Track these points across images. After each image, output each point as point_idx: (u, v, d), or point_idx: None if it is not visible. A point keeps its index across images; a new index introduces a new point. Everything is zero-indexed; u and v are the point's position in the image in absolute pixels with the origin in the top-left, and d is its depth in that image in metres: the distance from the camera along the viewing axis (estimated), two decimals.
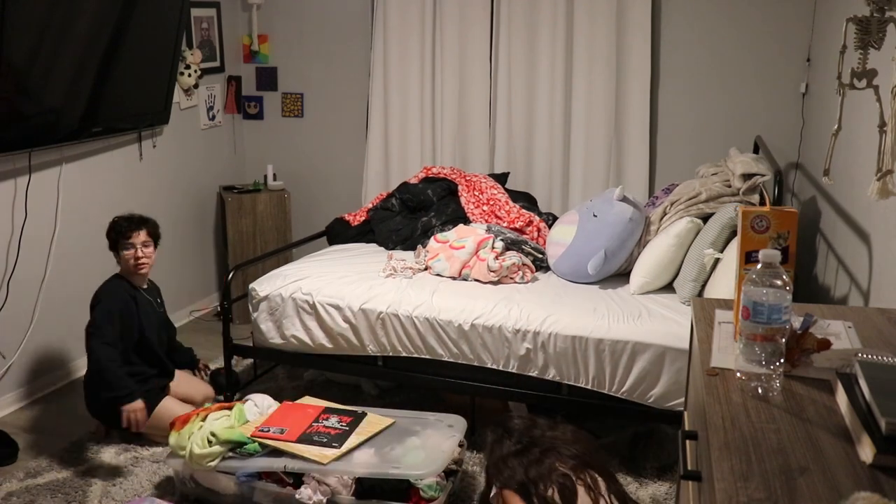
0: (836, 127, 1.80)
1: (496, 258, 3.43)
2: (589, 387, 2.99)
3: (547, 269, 3.62)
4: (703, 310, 1.92)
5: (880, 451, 1.20)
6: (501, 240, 3.55)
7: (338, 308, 3.29)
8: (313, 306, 3.34)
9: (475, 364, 3.14)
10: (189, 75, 4.44)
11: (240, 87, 5.00)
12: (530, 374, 3.06)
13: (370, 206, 4.26)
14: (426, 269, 3.59)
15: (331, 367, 3.53)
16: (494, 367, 3.11)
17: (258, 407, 2.97)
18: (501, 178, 4.25)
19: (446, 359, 3.17)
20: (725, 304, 1.94)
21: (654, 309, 3.08)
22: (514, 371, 3.08)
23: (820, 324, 1.73)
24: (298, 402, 3.12)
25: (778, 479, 1.17)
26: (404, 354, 3.24)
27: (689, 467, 1.61)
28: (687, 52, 4.14)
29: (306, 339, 3.37)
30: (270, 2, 4.86)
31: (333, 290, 3.35)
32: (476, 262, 3.46)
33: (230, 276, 3.56)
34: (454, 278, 3.49)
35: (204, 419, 2.89)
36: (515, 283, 3.44)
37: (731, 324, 1.77)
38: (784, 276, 1.44)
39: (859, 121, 2.66)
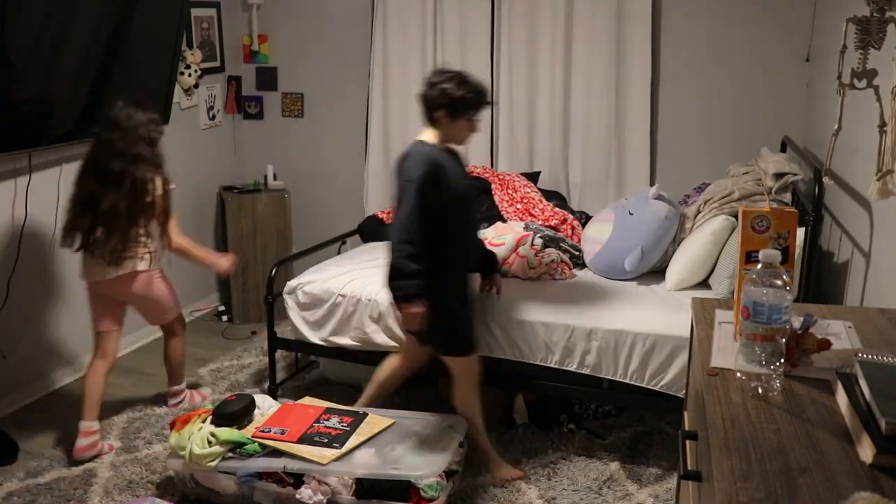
0: (836, 127, 1.80)
1: (535, 255, 3.47)
2: (628, 381, 3.02)
3: (582, 265, 3.66)
4: (703, 310, 1.92)
5: (880, 451, 1.20)
6: (540, 237, 3.57)
7: (379, 305, 3.26)
8: (357, 304, 3.33)
9: (516, 359, 3.15)
10: (189, 75, 4.44)
11: (240, 87, 5.00)
12: (568, 368, 3.09)
13: None
14: None
15: (374, 362, 3.47)
16: (533, 362, 3.13)
17: (259, 407, 2.98)
18: (533, 178, 4.26)
19: (492, 354, 3.18)
20: (725, 304, 1.94)
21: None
22: (553, 366, 3.11)
23: (820, 324, 1.73)
24: (299, 402, 3.12)
25: (778, 479, 1.17)
26: None
27: (689, 467, 1.61)
28: (687, 51, 4.13)
29: (352, 337, 3.35)
30: (270, 2, 4.86)
31: (374, 288, 3.31)
32: (516, 258, 3.48)
33: (273, 272, 3.55)
34: None
35: (204, 420, 2.89)
36: (554, 279, 3.47)
37: (731, 324, 1.77)
38: (784, 276, 1.44)
39: (859, 121, 2.66)
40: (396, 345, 3.26)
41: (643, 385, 3.00)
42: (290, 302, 3.48)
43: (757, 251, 1.55)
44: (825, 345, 1.62)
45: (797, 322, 1.64)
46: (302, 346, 3.55)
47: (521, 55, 4.34)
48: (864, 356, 1.46)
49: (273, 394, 3.52)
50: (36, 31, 3.26)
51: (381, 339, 3.30)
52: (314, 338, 3.44)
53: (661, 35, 4.16)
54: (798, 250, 2.96)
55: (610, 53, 4.17)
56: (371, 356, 3.34)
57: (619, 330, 3.00)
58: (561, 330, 3.07)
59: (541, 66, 4.32)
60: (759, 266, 1.45)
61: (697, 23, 4.09)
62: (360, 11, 4.68)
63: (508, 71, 4.37)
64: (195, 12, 4.51)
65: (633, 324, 3.00)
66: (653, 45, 4.13)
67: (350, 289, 3.37)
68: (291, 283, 3.49)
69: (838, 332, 1.73)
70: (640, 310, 3.10)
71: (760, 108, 4.06)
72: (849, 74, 1.74)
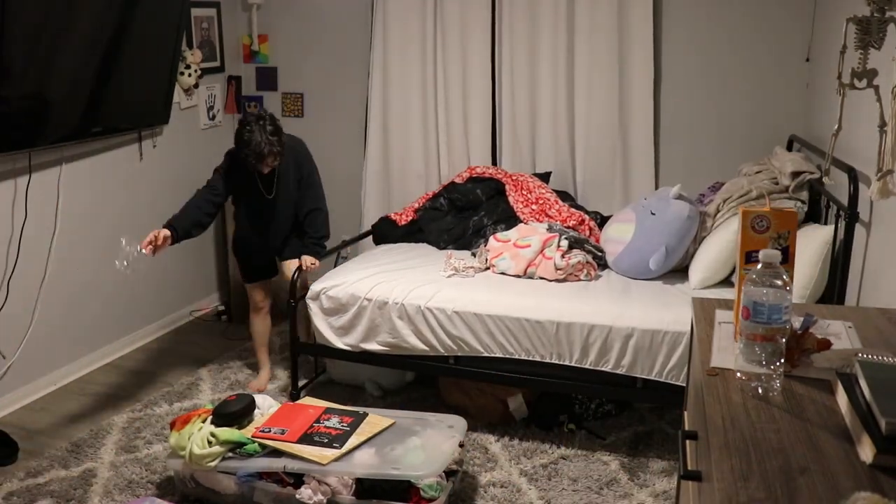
0: (836, 127, 1.80)
1: (562, 256, 3.47)
2: (664, 379, 3.03)
3: (604, 266, 3.66)
4: (703, 310, 1.92)
5: (880, 451, 1.20)
6: (566, 238, 3.57)
7: (406, 308, 3.29)
8: (382, 307, 3.33)
9: (548, 361, 3.16)
10: (189, 75, 4.44)
11: (240, 87, 5.00)
12: (603, 368, 3.11)
13: (417, 205, 4.27)
14: (488, 268, 3.61)
15: (400, 366, 3.52)
16: (567, 363, 3.14)
17: (259, 407, 2.97)
18: (544, 178, 4.26)
19: (519, 356, 3.19)
20: (725, 304, 1.94)
21: None
22: (589, 367, 3.12)
23: (820, 324, 1.73)
24: (299, 402, 3.12)
25: (778, 479, 1.17)
26: (485, 354, 3.23)
27: (689, 467, 1.61)
28: (688, 50, 4.13)
29: (381, 342, 3.36)
30: (270, 2, 4.86)
31: (401, 290, 3.34)
32: (542, 260, 3.49)
33: (296, 275, 3.51)
34: (519, 276, 3.50)
35: (204, 420, 2.89)
36: (581, 280, 3.47)
37: (731, 324, 1.77)
38: (784, 276, 1.44)
39: (859, 121, 2.66)
40: (427, 348, 3.28)
41: (679, 383, 3.00)
42: (314, 307, 3.45)
43: (757, 251, 1.55)
44: (825, 345, 1.62)
45: (797, 322, 1.64)
46: (321, 349, 3.54)
47: (523, 54, 4.32)
48: (864, 356, 1.46)
49: (295, 399, 3.50)
50: (36, 31, 3.25)
51: (413, 341, 3.30)
52: (339, 343, 3.41)
53: (663, 35, 4.15)
54: (826, 248, 2.98)
55: (611, 55, 4.16)
56: (381, 358, 3.38)
57: (656, 329, 3.01)
58: (598, 331, 3.07)
59: (542, 65, 4.30)
60: (759, 266, 1.45)
61: (696, 23, 4.09)
62: (360, 11, 4.67)
63: (510, 71, 4.36)
64: (195, 12, 4.51)
65: (668, 323, 3.01)
66: (654, 45, 4.12)
67: (377, 292, 3.35)
68: (315, 288, 3.46)
69: (838, 332, 1.73)
70: (672, 308, 3.09)
71: (764, 107, 4.05)
72: (849, 74, 1.74)
